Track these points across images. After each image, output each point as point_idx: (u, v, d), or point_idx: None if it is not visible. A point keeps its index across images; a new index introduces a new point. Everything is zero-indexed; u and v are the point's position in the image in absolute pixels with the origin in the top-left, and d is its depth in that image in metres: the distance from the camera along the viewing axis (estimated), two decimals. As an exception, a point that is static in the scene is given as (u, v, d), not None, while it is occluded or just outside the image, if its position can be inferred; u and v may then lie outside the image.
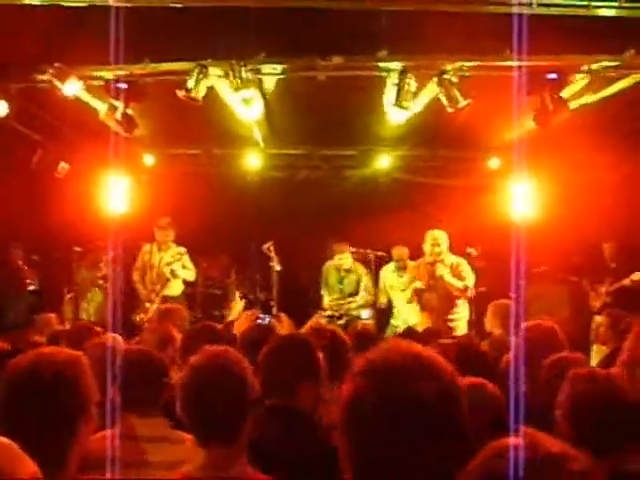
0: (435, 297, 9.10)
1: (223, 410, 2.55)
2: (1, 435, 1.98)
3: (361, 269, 10.53)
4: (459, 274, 9.03)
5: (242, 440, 2.57)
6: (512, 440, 1.31)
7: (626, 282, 9.23)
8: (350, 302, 10.33)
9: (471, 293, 9.15)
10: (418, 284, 9.25)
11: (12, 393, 2.35)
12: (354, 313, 10.27)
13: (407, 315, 10.14)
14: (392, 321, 10.42)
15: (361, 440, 1.63)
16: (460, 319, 9.19)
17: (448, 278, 8.99)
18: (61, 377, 2.38)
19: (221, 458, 2.51)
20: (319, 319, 8.93)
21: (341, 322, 9.84)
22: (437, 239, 9.04)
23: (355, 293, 10.45)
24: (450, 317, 9.18)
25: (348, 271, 10.50)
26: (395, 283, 10.48)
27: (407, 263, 10.39)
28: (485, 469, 1.28)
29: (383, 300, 10.57)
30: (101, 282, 10.25)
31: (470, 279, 9.10)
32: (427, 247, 9.08)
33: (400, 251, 10.48)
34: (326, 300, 10.47)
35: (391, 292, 10.50)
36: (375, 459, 1.61)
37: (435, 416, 1.60)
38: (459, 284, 8.99)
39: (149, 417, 3.31)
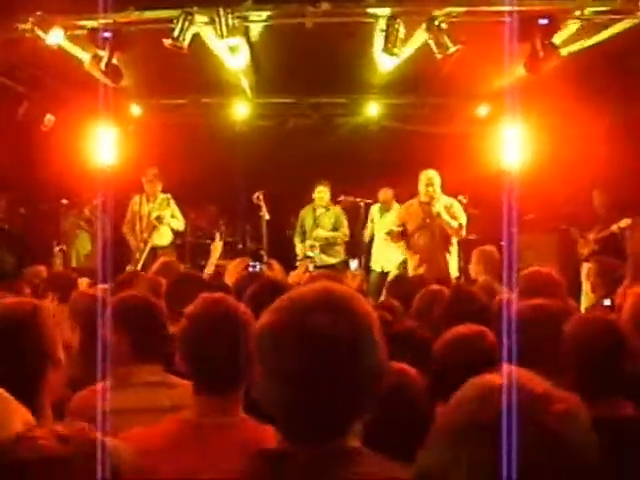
0: (428, 237, 9.02)
1: (224, 360, 2.53)
2: None
3: (338, 209, 10.59)
4: (452, 214, 8.98)
5: (241, 389, 2.57)
6: (493, 378, 1.28)
7: (614, 229, 9.26)
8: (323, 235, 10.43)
9: (464, 233, 9.11)
10: (394, 228, 9.15)
11: None
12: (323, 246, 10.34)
13: (385, 259, 10.25)
14: (371, 265, 10.54)
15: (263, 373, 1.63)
16: (452, 262, 9.18)
17: (445, 216, 8.93)
18: (19, 326, 2.54)
19: (220, 406, 2.51)
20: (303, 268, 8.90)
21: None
22: (431, 178, 8.97)
23: (332, 230, 10.53)
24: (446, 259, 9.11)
25: (325, 209, 10.55)
26: (377, 224, 10.58)
27: (392, 205, 10.45)
28: (466, 412, 1.25)
29: (366, 236, 10.66)
30: (84, 225, 10.27)
31: (463, 219, 9.03)
32: (421, 187, 9.00)
33: (385, 193, 10.53)
34: (299, 247, 10.52)
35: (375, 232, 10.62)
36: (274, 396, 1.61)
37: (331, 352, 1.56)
38: (454, 223, 8.94)
39: (147, 364, 3.31)
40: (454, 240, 9.02)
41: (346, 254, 10.59)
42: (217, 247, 7.46)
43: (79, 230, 10.39)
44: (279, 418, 1.64)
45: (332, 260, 10.36)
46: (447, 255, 9.00)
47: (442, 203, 8.94)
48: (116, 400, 2.87)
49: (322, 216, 10.55)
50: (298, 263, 10.07)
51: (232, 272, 5.07)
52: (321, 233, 10.41)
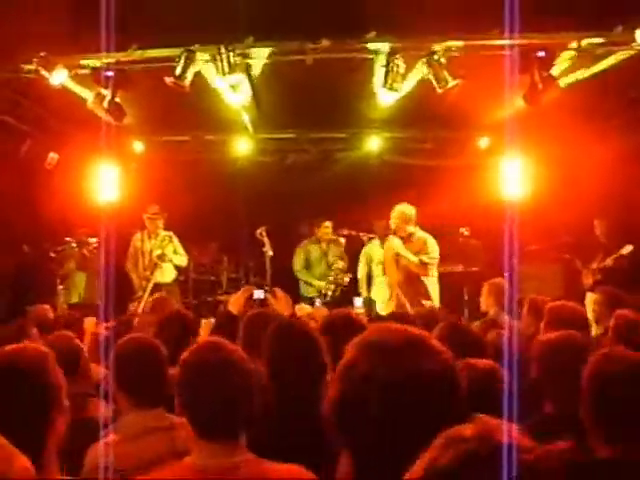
0: (394, 272, 8.98)
1: (222, 408, 2.48)
2: None
3: (341, 240, 10.58)
4: (424, 250, 8.92)
5: (243, 433, 2.52)
6: (465, 430, 1.29)
7: (616, 257, 9.27)
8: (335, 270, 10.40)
9: (432, 272, 8.98)
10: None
11: None
12: (342, 279, 10.35)
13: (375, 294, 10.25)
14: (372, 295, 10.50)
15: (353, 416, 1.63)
16: (433, 294, 9.04)
17: (403, 252, 8.86)
18: (27, 372, 2.52)
19: (222, 450, 2.46)
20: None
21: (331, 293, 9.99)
22: (403, 213, 8.95)
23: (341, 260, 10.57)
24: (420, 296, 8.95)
25: (332, 242, 10.61)
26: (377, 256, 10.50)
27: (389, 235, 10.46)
28: (436, 463, 1.26)
29: (361, 272, 10.54)
30: (80, 264, 10.30)
31: (434, 256, 8.93)
32: (392, 221, 9.00)
33: (380, 224, 10.49)
34: (316, 283, 10.52)
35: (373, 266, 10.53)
36: (367, 437, 1.60)
37: (432, 395, 1.60)
38: (414, 259, 8.85)
39: (150, 409, 3.31)
40: (430, 278, 8.95)
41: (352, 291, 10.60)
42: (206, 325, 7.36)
43: (76, 268, 10.40)
44: None
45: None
46: (420, 289, 8.91)
47: (415, 238, 8.88)
48: (128, 454, 2.89)
49: (330, 249, 10.62)
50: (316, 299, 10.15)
51: (236, 301, 5.05)
52: (340, 265, 10.42)
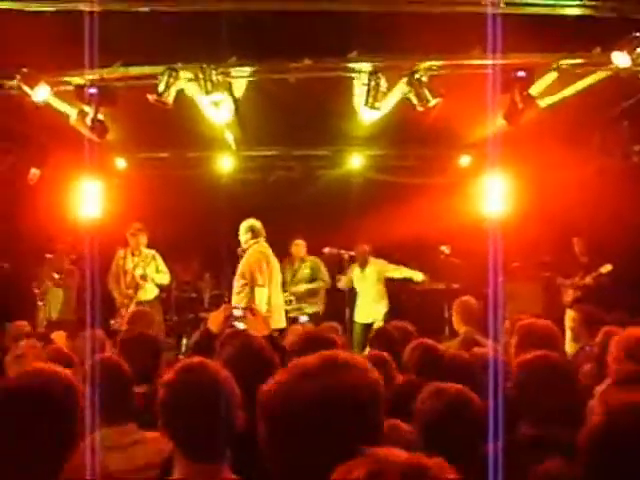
0: None
1: (205, 429, 2.46)
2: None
3: (316, 258, 10.77)
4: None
5: (225, 454, 2.50)
6: (355, 466, 1.31)
7: (596, 276, 9.35)
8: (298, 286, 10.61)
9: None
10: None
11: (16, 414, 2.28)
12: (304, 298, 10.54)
13: (371, 311, 10.52)
14: (354, 318, 10.66)
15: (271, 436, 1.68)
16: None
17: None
18: (54, 400, 2.32)
19: (205, 471, 2.44)
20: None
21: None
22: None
23: (311, 281, 10.69)
24: None
25: (302, 260, 10.73)
26: (359, 278, 10.73)
27: (368, 259, 10.59)
28: None
29: (343, 285, 10.71)
30: (57, 280, 10.25)
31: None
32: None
33: (361, 248, 10.64)
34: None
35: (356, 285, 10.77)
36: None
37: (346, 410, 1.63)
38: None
39: (119, 425, 3.32)
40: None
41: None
42: None
43: (52, 285, 10.35)
44: None
45: (313, 309, 10.48)
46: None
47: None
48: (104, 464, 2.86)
49: (299, 269, 10.73)
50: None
51: (215, 320, 5.04)
52: (300, 288, 10.57)
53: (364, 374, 1.70)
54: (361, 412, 1.64)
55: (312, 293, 10.62)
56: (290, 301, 10.36)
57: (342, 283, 10.67)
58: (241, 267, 9.06)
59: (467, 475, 1.34)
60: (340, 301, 10.73)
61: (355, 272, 10.68)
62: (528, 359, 3.43)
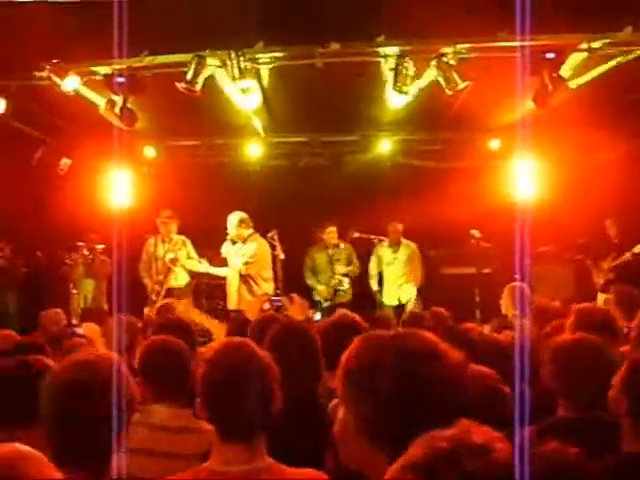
0: None
1: (246, 406, 2.47)
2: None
3: (349, 246, 10.84)
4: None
5: (264, 435, 2.51)
6: (444, 432, 1.34)
7: (627, 256, 9.24)
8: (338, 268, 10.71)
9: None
10: None
11: (67, 398, 2.34)
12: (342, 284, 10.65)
13: (400, 292, 10.59)
14: (383, 300, 10.69)
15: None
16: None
17: None
18: (108, 379, 2.37)
19: (244, 453, 2.45)
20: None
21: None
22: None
23: (347, 265, 10.79)
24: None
25: (337, 246, 10.74)
26: (389, 260, 10.76)
27: (400, 240, 10.67)
28: (413, 460, 1.30)
29: (372, 271, 10.85)
30: (85, 270, 10.37)
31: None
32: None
33: (394, 226, 10.63)
34: (321, 289, 10.73)
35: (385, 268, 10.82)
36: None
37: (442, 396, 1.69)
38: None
39: (175, 407, 3.36)
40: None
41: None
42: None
43: (82, 275, 10.47)
44: None
45: (345, 298, 10.54)
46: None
47: None
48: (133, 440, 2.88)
49: (335, 255, 10.73)
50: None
51: (253, 308, 5.09)
52: (341, 269, 10.63)
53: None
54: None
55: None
56: (340, 281, 10.58)
57: (374, 272, 10.77)
58: (250, 258, 9.38)
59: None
60: (367, 286, 10.80)
61: (385, 253, 10.67)
62: (567, 341, 3.41)
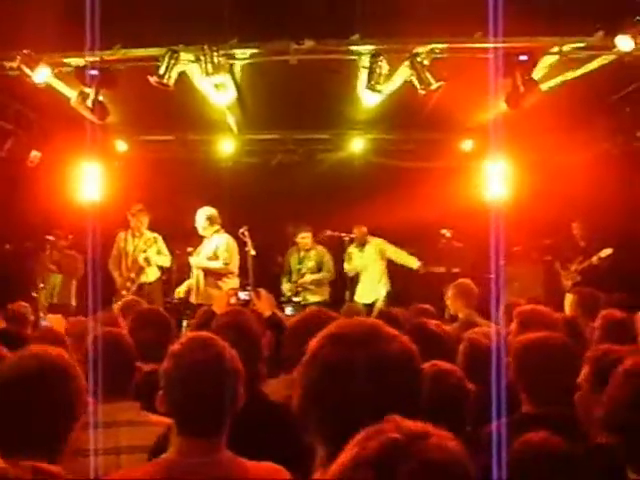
0: None
1: (208, 402, 2.47)
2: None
3: (322, 249, 10.81)
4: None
5: (225, 430, 2.51)
6: (386, 426, 1.34)
7: (594, 260, 9.36)
8: (305, 277, 10.70)
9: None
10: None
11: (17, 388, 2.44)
12: (309, 287, 10.64)
13: (371, 291, 10.60)
14: (355, 298, 10.66)
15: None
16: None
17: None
18: (53, 371, 2.48)
19: (203, 447, 2.45)
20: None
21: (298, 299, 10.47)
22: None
23: (316, 271, 10.74)
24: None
25: (308, 250, 10.76)
26: (358, 259, 10.80)
27: (367, 240, 10.75)
28: (361, 454, 1.30)
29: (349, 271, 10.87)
30: (52, 266, 10.27)
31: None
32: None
33: (359, 230, 10.73)
34: (286, 287, 10.80)
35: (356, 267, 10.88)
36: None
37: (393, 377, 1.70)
38: None
39: (120, 401, 3.33)
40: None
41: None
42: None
43: (50, 269, 10.36)
44: None
45: (317, 298, 10.50)
46: None
47: None
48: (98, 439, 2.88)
49: (305, 259, 10.76)
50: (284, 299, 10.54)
51: (220, 301, 5.06)
52: (307, 279, 10.65)
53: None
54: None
55: (317, 284, 10.70)
56: (297, 292, 10.59)
57: (350, 272, 10.78)
58: (225, 252, 9.44)
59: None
60: (343, 289, 10.78)
61: (354, 252, 10.71)
62: (529, 339, 3.45)
